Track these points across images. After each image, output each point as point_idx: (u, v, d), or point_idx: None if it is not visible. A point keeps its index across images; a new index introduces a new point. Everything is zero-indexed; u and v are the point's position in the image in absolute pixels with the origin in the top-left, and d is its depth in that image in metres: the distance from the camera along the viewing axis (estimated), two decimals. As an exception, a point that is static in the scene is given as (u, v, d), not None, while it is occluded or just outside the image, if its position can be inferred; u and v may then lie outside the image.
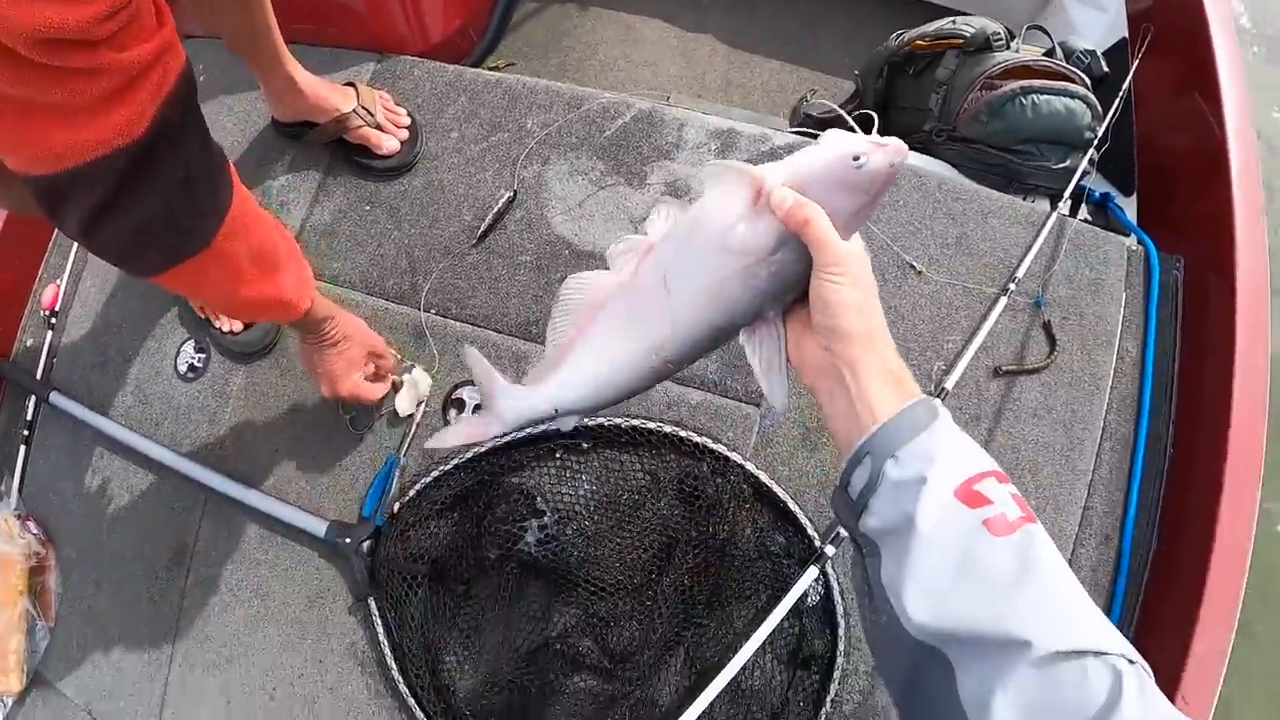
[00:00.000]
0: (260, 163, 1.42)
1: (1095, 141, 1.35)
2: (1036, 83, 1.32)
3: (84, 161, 0.62)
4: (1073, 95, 1.33)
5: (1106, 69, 1.46)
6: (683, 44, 1.93)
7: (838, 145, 0.54)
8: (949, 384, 1.09)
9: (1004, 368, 1.23)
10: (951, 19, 1.46)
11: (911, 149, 1.45)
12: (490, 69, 1.75)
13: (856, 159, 0.53)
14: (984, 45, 1.38)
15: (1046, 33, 1.48)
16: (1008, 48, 1.39)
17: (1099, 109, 1.36)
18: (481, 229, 1.34)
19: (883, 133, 1.38)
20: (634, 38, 1.94)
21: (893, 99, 1.56)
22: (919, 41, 1.48)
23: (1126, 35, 1.63)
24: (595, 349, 0.60)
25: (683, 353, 0.59)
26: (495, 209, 1.35)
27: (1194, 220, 1.33)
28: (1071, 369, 1.24)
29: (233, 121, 1.46)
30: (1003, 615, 0.42)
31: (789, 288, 0.56)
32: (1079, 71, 1.38)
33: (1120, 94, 1.38)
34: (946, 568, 0.45)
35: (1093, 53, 1.43)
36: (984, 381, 1.23)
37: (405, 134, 1.40)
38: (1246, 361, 1.15)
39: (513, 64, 1.85)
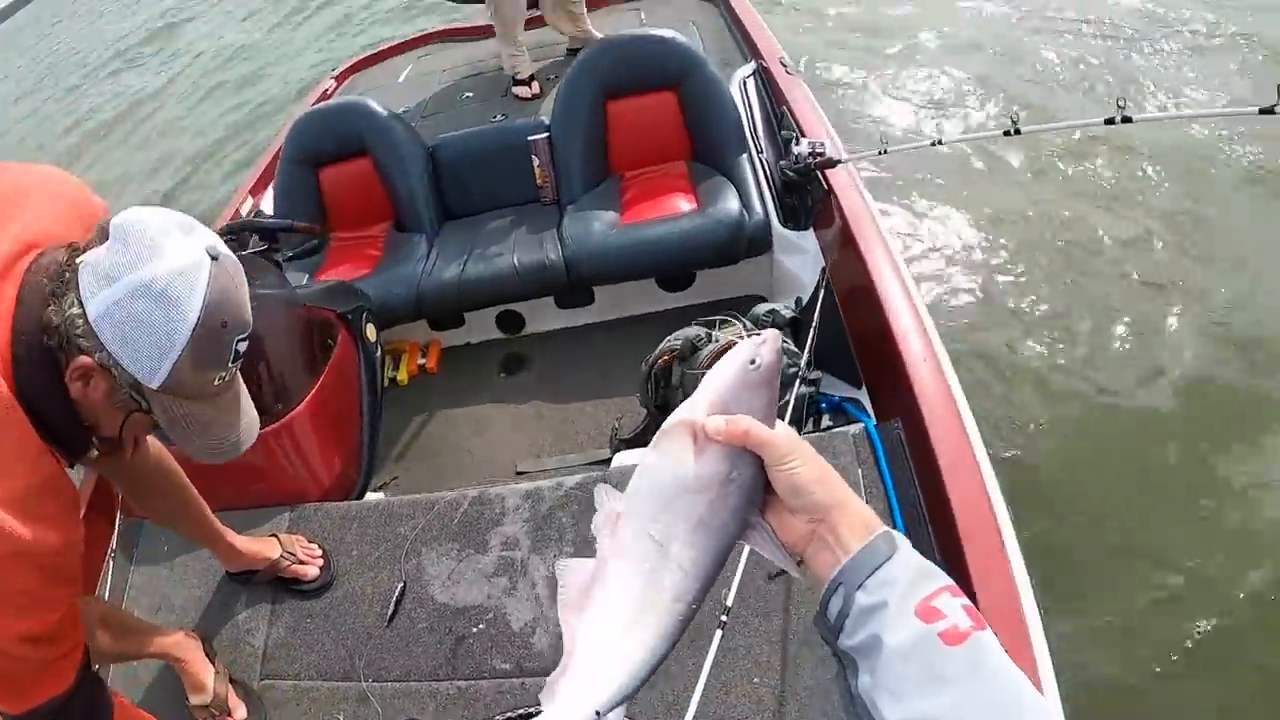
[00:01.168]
0: (224, 602, 1.86)
1: (801, 374, 1.81)
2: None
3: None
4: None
5: (795, 314, 1.99)
6: (519, 419, 2.51)
7: (732, 361, 0.64)
8: (729, 600, 1.36)
9: (772, 572, 1.54)
10: (671, 336, 1.98)
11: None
12: (378, 489, 2.28)
13: (753, 363, 0.63)
14: (691, 350, 1.90)
15: (736, 317, 1.98)
16: (711, 341, 1.90)
17: (791, 346, 1.83)
18: (389, 614, 1.76)
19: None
20: (483, 427, 2.51)
21: (664, 406, 2.05)
22: (662, 359, 1.99)
23: (824, 265, 2.19)
24: (618, 630, 0.61)
25: (701, 589, 0.63)
26: (394, 597, 1.77)
27: (897, 387, 1.70)
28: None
29: (197, 576, 1.90)
30: (957, 711, 0.51)
31: (756, 491, 0.63)
32: (769, 327, 1.88)
33: (813, 326, 1.89)
34: (910, 676, 0.53)
35: (775, 310, 1.96)
36: (763, 587, 1.55)
37: (321, 562, 1.87)
38: (962, 495, 1.43)
39: (395, 478, 2.40)
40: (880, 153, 2.05)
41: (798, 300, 2.27)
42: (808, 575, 0.64)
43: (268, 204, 2.98)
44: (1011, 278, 3.34)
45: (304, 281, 2.63)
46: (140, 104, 9.81)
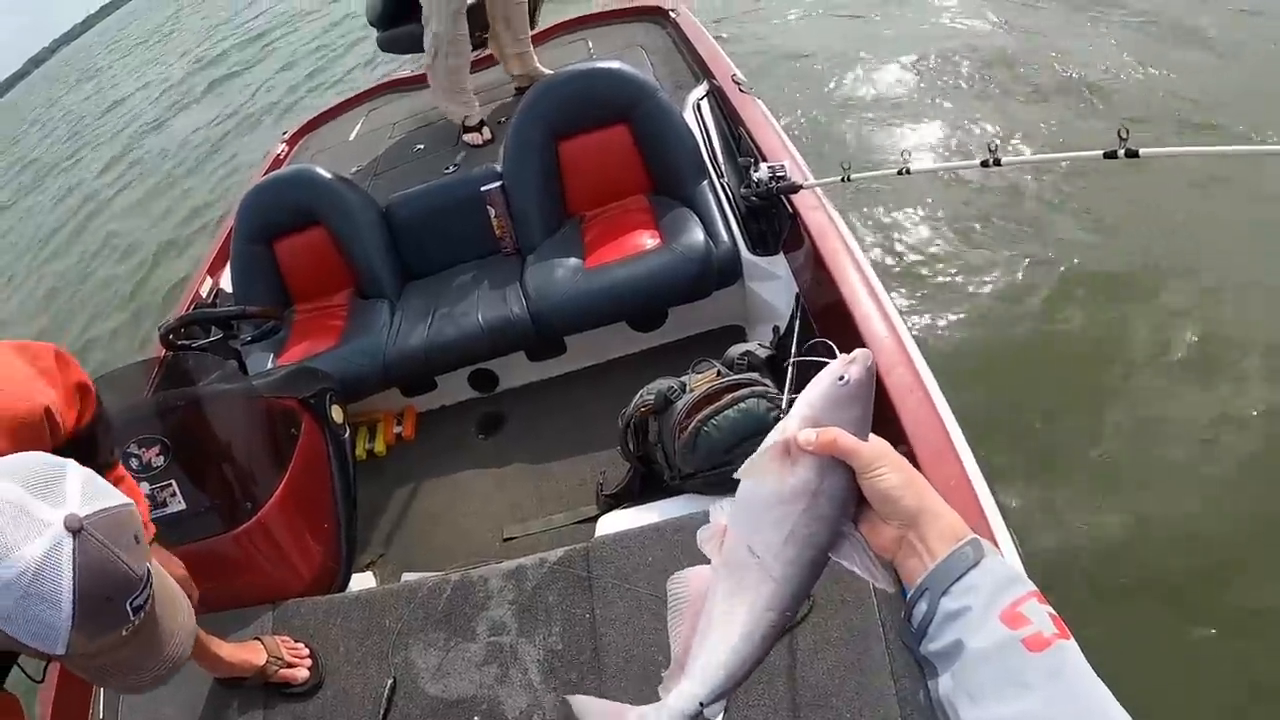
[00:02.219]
0: (217, 713, 1.80)
1: (783, 414, 1.74)
2: (710, 409, 1.75)
3: None
4: (742, 399, 1.75)
5: (772, 351, 1.93)
6: (501, 480, 2.44)
7: (824, 378, 0.68)
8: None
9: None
10: (644, 389, 1.92)
11: (663, 495, 1.88)
12: (365, 568, 2.24)
13: (841, 379, 0.67)
14: (665, 404, 1.84)
15: (708, 359, 1.93)
16: (684, 392, 1.83)
17: (769, 389, 1.77)
18: (382, 713, 1.68)
19: (645, 480, 1.83)
20: (466, 492, 2.45)
21: (644, 458, 1.98)
22: (639, 413, 1.93)
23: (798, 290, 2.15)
24: (717, 633, 0.66)
25: (793, 598, 0.67)
26: (385, 694, 1.70)
27: (881, 410, 1.67)
28: (828, 594, 1.52)
29: (189, 686, 1.82)
30: (1035, 717, 0.51)
31: (847, 502, 0.66)
32: (745, 373, 1.83)
33: (791, 362, 1.82)
34: (990, 680, 0.54)
35: (749, 351, 1.90)
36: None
37: (309, 662, 1.80)
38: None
39: (382, 554, 2.34)
40: (844, 179, 1.98)
41: (775, 329, 2.21)
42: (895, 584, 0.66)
43: (227, 283, 2.93)
44: (995, 297, 3.28)
45: (269, 363, 2.57)
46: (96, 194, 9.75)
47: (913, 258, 3.55)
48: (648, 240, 2.47)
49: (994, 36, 5.27)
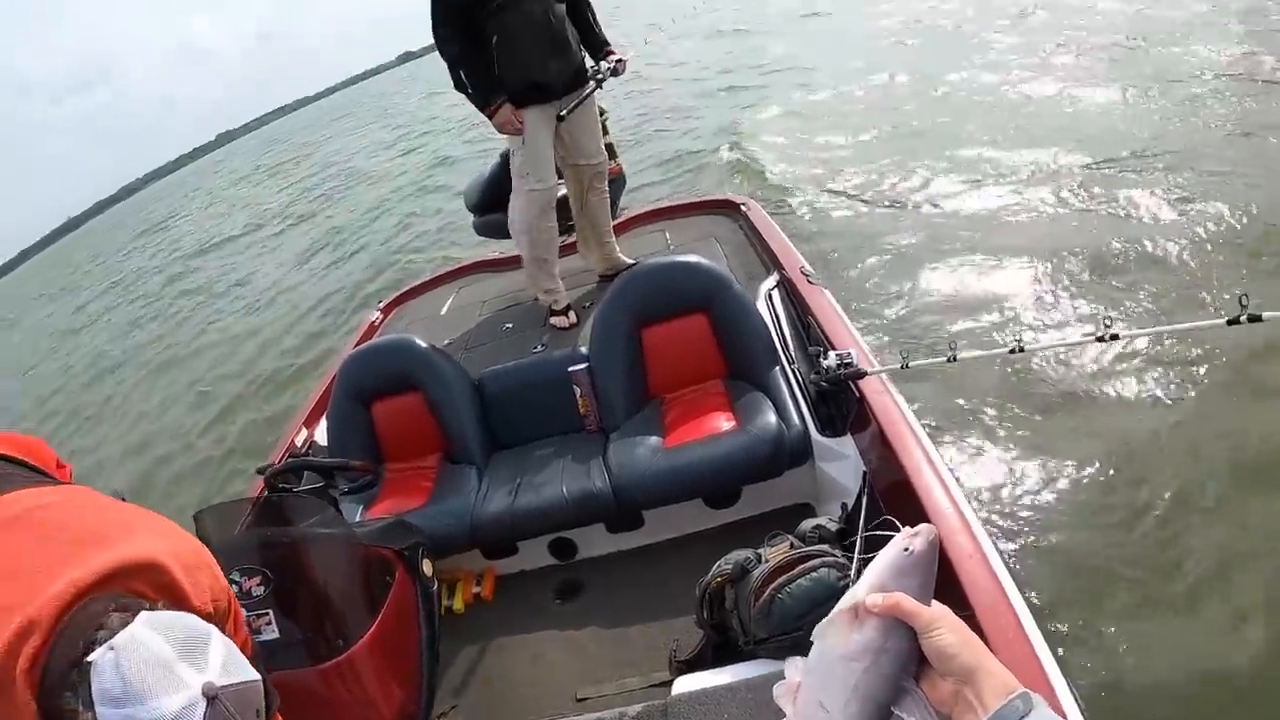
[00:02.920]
0: None
1: (851, 584, 1.83)
2: (783, 578, 1.85)
3: None
4: (814, 569, 1.85)
5: (841, 526, 2.04)
6: (576, 644, 2.52)
7: (891, 550, 0.77)
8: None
9: None
10: (722, 560, 2.03)
11: (736, 660, 1.95)
12: (439, 718, 2.29)
13: (906, 549, 0.76)
14: (742, 572, 1.95)
15: (781, 532, 2.04)
16: (760, 563, 1.95)
17: (839, 559, 1.87)
18: None
19: (718, 648, 1.91)
20: (540, 653, 2.53)
21: (719, 625, 2.07)
22: (715, 581, 2.04)
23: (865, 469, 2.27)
24: None
25: None
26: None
27: (946, 585, 1.68)
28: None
29: None
30: None
31: (909, 660, 0.73)
32: (816, 545, 1.94)
33: (859, 535, 1.92)
34: None
35: (820, 526, 2.02)
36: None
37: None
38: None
39: (454, 706, 2.40)
40: (902, 366, 2.17)
41: (843, 506, 2.33)
42: None
43: (321, 435, 3.15)
44: (1065, 482, 3.29)
45: (358, 515, 2.74)
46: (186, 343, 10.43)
47: (972, 437, 3.63)
48: (724, 423, 2.64)
49: (1064, 220, 5.48)
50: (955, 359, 2.06)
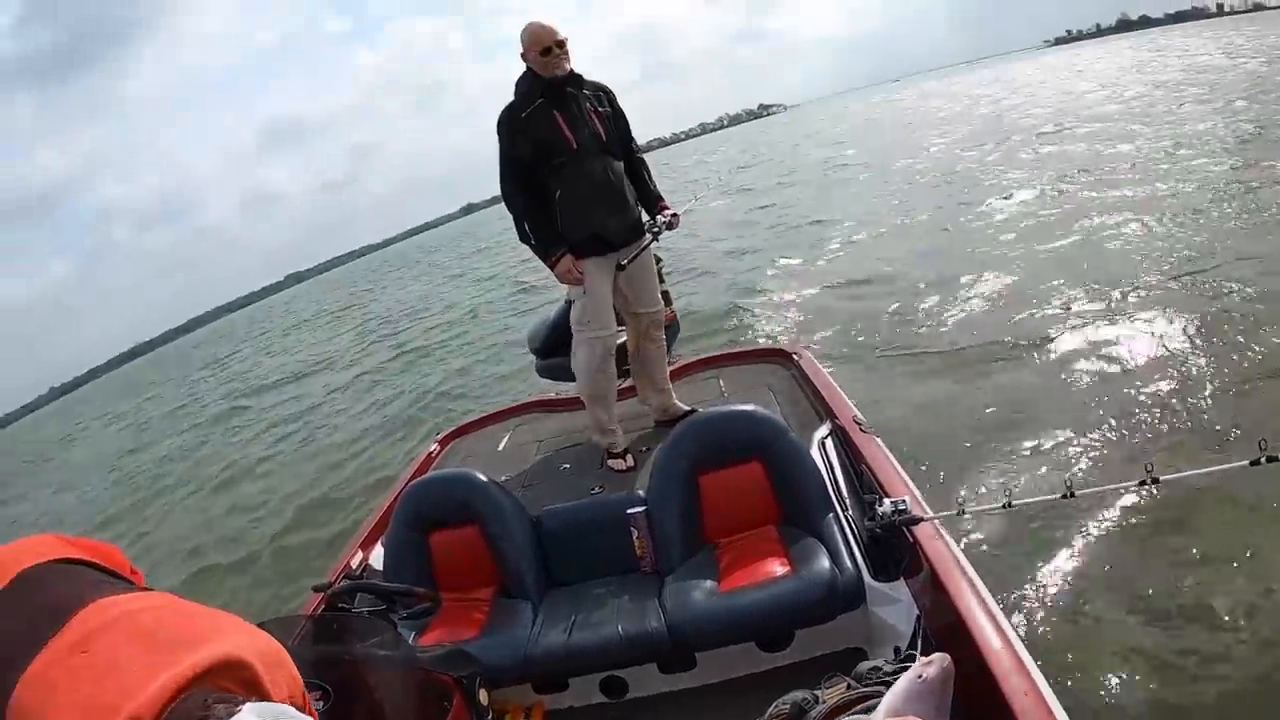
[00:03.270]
0: None
1: None
2: (841, 718, 1.85)
3: None
4: (872, 709, 1.85)
5: (897, 666, 2.03)
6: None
7: (907, 677, 0.87)
8: None
9: None
10: (779, 700, 2.03)
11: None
12: None
13: (919, 677, 0.87)
14: (800, 713, 1.94)
15: (838, 673, 2.04)
16: (817, 703, 1.95)
17: None
18: None
19: None
20: None
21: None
22: (774, 718, 2.02)
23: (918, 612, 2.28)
24: None
25: None
26: None
27: None
28: None
29: None
30: None
31: None
32: (874, 684, 1.93)
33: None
34: None
35: (877, 667, 2.01)
36: None
37: None
38: None
39: None
40: (959, 513, 2.22)
41: (895, 650, 2.32)
42: None
43: (376, 559, 3.23)
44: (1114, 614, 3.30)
45: (410, 640, 2.76)
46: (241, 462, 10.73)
47: (1027, 584, 3.61)
48: (778, 568, 2.68)
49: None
50: (1010, 505, 2.11)
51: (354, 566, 3.19)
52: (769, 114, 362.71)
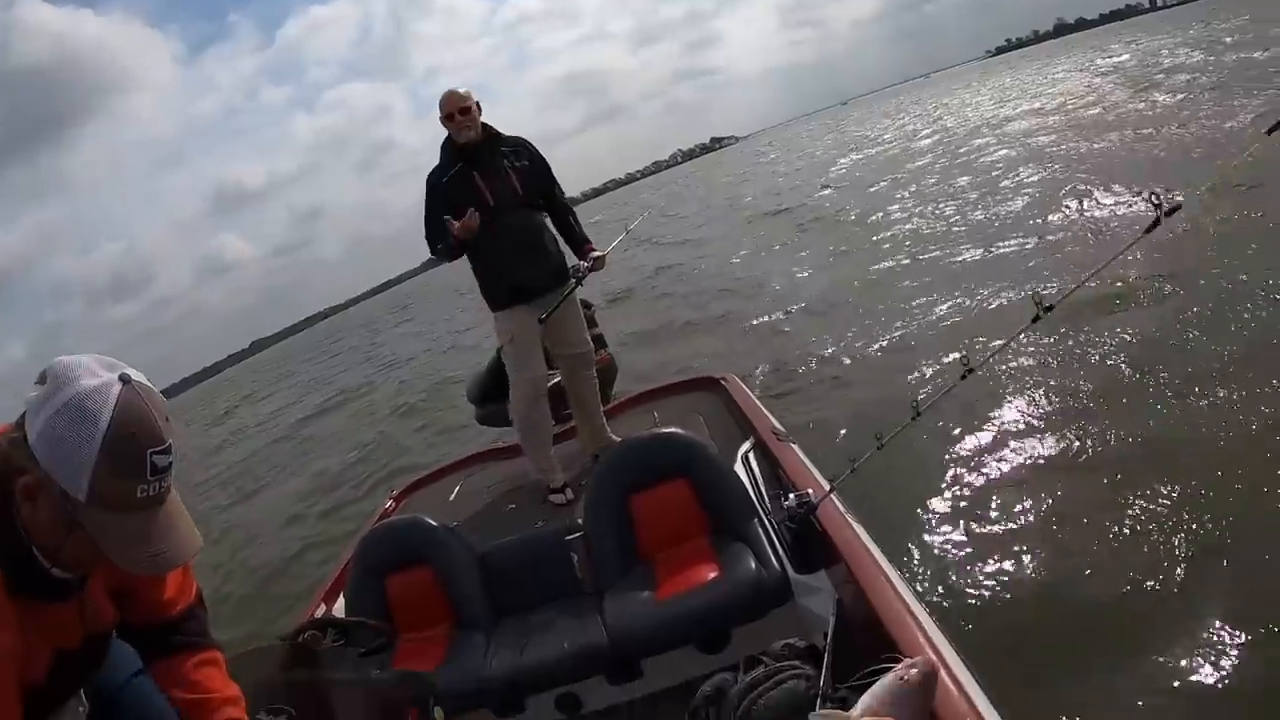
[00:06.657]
0: None
1: (822, 693, 2.02)
2: (756, 691, 2.08)
3: None
4: (784, 681, 2.06)
5: (810, 644, 2.26)
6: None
7: (888, 677, 0.87)
8: None
9: None
10: (705, 684, 2.25)
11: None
12: None
13: (901, 679, 0.87)
14: (719, 695, 2.18)
15: (758, 655, 2.26)
16: (735, 683, 2.17)
17: (806, 671, 2.08)
18: None
19: None
20: None
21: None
22: (702, 699, 2.25)
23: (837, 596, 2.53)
24: None
25: None
26: None
27: None
28: None
29: None
30: None
31: None
32: (787, 661, 2.16)
33: (826, 648, 2.14)
34: None
35: (789, 643, 2.25)
36: None
37: None
38: None
39: None
40: (851, 472, 2.57)
41: (823, 635, 2.53)
42: None
43: (339, 609, 3.43)
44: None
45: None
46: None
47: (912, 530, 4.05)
48: (709, 573, 2.92)
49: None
50: (881, 445, 2.47)
51: (318, 617, 3.35)
52: (720, 147, 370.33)
